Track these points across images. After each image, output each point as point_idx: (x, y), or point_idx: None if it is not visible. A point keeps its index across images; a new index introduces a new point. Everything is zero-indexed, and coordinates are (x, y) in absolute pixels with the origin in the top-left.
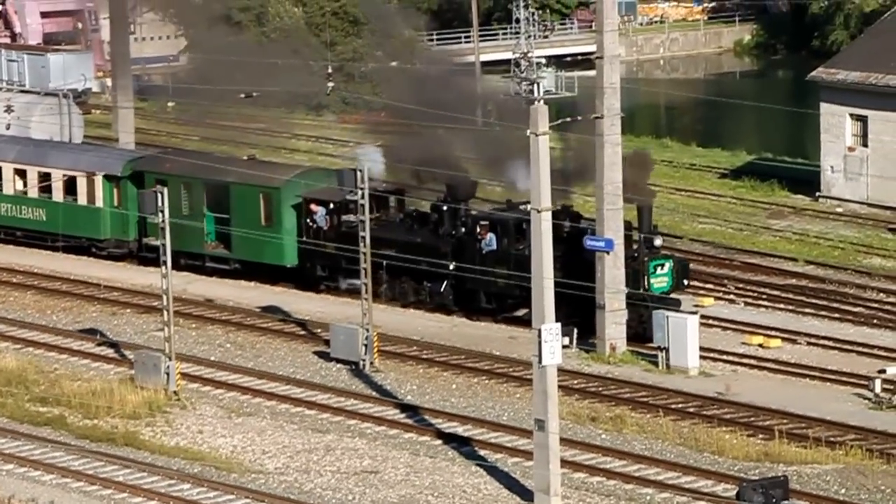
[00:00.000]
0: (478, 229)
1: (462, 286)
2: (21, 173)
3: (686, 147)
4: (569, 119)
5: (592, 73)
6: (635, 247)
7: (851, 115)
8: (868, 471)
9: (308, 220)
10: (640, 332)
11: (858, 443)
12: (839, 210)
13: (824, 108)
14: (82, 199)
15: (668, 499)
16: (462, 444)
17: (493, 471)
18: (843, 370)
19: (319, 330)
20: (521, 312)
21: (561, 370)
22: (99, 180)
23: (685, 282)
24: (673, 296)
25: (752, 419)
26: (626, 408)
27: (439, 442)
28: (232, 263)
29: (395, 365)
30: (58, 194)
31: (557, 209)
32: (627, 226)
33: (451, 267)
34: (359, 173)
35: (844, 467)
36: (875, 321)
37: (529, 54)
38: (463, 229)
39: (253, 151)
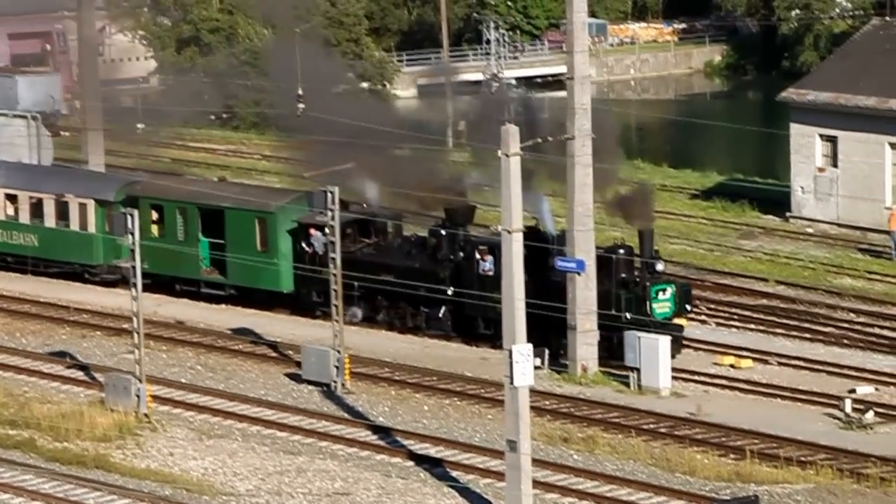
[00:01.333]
0: (476, 254)
1: (461, 312)
2: (12, 198)
3: (657, 168)
4: (539, 140)
5: (563, 93)
6: (637, 272)
7: (821, 135)
8: (839, 490)
9: (304, 245)
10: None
11: (829, 462)
12: (809, 230)
13: (794, 128)
14: (74, 225)
15: None
16: (434, 466)
17: (465, 492)
18: (813, 390)
19: (290, 352)
20: None
21: (532, 391)
22: (91, 205)
23: (688, 307)
24: (675, 321)
25: (724, 439)
26: (597, 428)
27: (411, 463)
28: (227, 289)
29: (366, 386)
30: (50, 220)
31: (561, 234)
32: (629, 251)
33: (450, 292)
34: (329, 194)
35: (815, 487)
36: (845, 341)
37: (500, 75)
38: (461, 254)
39: (223, 173)
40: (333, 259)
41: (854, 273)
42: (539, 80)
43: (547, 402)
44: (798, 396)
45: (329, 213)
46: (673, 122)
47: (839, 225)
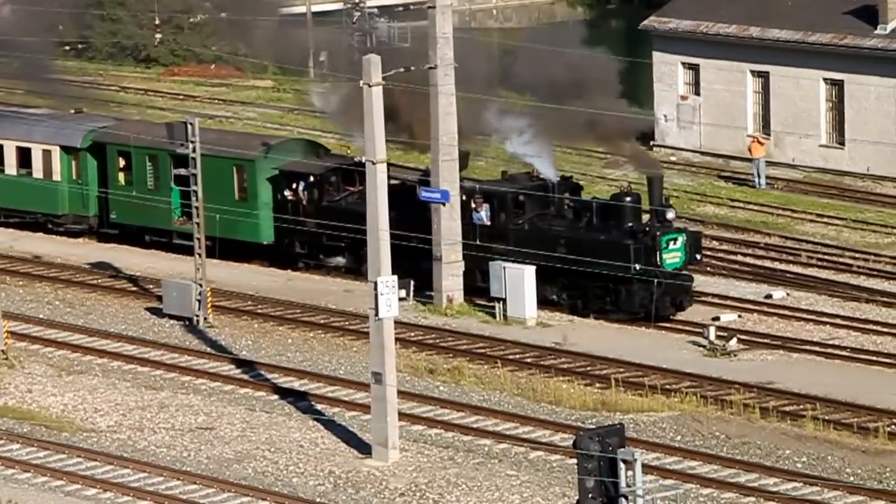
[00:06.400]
0: (473, 203)
1: None
2: None
3: (521, 98)
4: (402, 69)
5: (425, 22)
6: (646, 220)
7: (683, 63)
8: (703, 417)
9: (287, 194)
10: (650, 311)
11: (693, 390)
12: (673, 159)
13: (657, 56)
14: (38, 173)
15: (506, 449)
16: (299, 399)
17: (331, 425)
18: (677, 318)
19: (151, 286)
20: None
21: (398, 323)
22: (56, 153)
23: (698, 256)
24: (685, 272)
25: (589, 368)
26: (463, 359)
27: (275, 397)
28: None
29: (229, 320)
30: (11, 168)
31: (559, 180)
32: (636, 198)
33: None
34: (190, 126)
35: (680, 414)
36: (708, 269)
37: (361, 4)
38: None
39: (79, 105)
40: (195, 191)
41: (717, 201)
42: (401, 8)
43: (412, 334)
44: (662, 325)
45: (190, 145)
46: (536, 50)
47: (702, 153)
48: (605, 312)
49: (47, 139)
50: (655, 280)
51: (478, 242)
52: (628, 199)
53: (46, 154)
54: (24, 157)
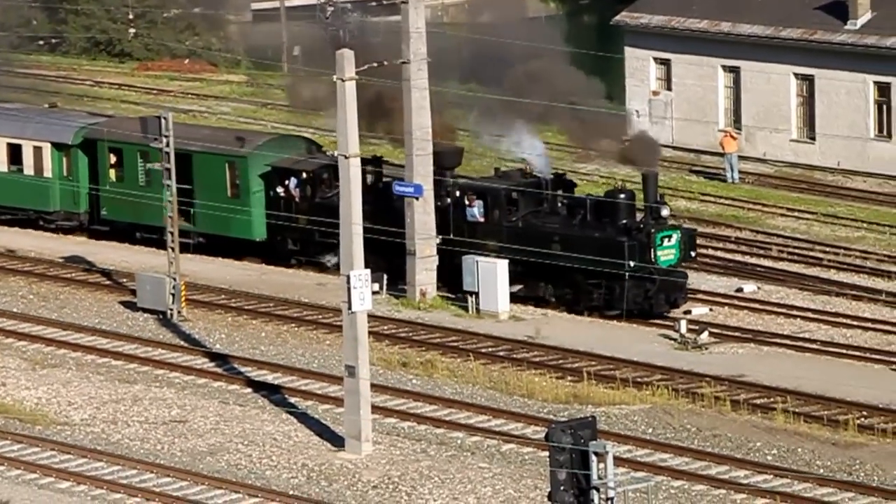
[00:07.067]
0: (466, 200)
1: (449, 262)
2: None
3: (491, 92)
4: (375, 64)
5: (398, 17)
6: (640, 217)
7: (655, 58)
8: (674, 410)
9: (279, 191)
10: (645, 309)
11: (665, 383)
12: None
13: (628, 52)
14: (29, 170)
15: (478, 442)
16: (272, 392)
17: (304, 418)
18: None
19: (125, 280)
20: (514, 288)
21: (371, 316)
22: (47, 149)
23: (692, 253)
24: (680, 269)
25: (562, 362)
26: (436, 352)
27: (249, 390)
28: (195, 238)
29: (203, 314)
30: (1, 164)
31: (555, 177)
32: (630, 195)
33: (437, 240)
34: (163, 120)
35: (651, 407)
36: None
37: None
38: (448, 200)
39: (54, 99)
40: (169, 185)
41: (688, 195)
42: (374, 4)
43: (385, 328)
44: (634, 318)
45: (163, 140)
46: (508, 45)
47: (674, 147)
48: (598, 310)
49: (38, 135)
50: (627, 275)
51: (472, 239)
52: (622, 195)
53: (37, 150)
54: (14, 153)
